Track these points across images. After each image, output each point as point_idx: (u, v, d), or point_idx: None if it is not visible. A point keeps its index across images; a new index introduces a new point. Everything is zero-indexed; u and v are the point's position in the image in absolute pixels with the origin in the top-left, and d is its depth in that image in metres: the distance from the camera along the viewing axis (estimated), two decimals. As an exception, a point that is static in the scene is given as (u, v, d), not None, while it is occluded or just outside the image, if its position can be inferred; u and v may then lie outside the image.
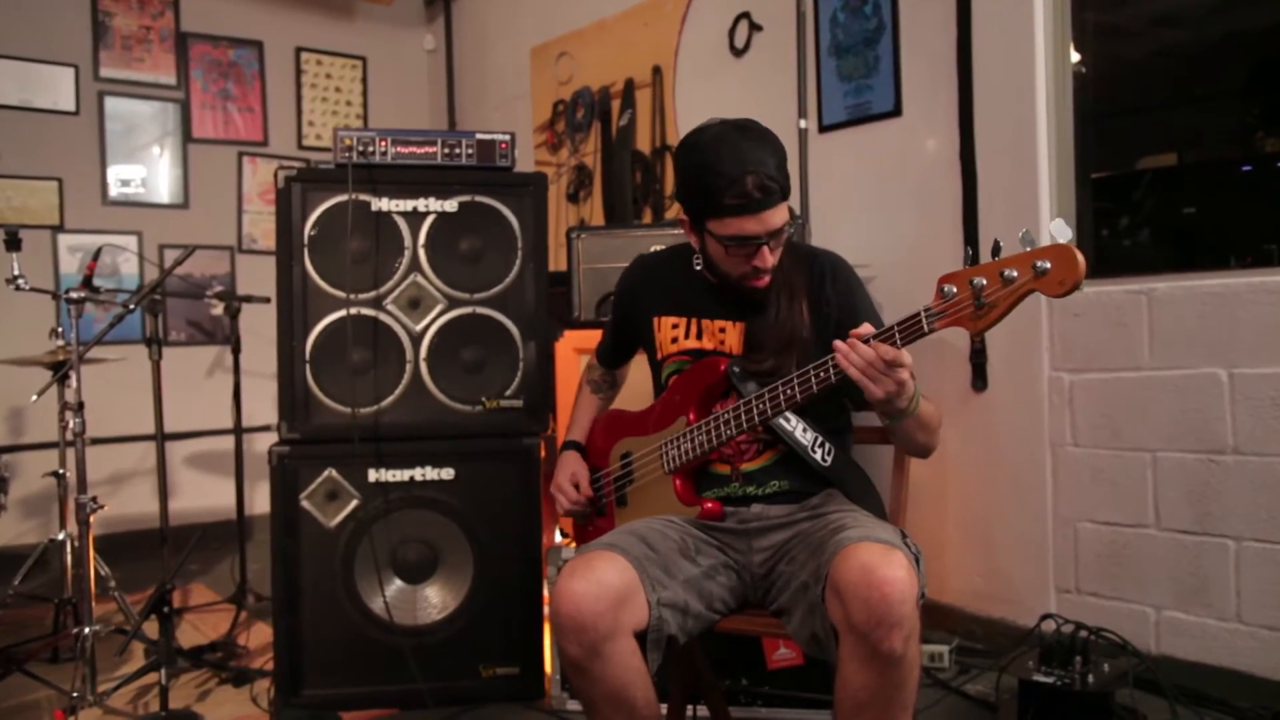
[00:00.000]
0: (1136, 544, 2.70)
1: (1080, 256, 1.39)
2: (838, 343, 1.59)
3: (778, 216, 1.74)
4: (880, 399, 1.58)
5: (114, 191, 4.83)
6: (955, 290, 1.49)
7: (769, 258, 1.77)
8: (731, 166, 1.70)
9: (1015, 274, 1.43)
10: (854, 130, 3.39)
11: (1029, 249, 1.44)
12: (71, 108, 4.71)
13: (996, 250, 1.47)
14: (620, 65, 4.41)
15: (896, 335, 1.55)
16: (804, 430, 1.83)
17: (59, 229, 4.66)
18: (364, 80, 5.60)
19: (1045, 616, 2.52)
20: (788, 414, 1.79)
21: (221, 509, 4.45)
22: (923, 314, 1.53)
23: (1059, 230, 1.41)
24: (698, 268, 1.91)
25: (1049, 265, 1.41)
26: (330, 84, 5.50)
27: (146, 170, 4.93)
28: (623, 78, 4.39)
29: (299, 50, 5.38)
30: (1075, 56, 2.90)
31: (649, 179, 4.25)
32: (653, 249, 2.61)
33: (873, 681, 1.50)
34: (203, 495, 4.80)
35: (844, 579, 1.50)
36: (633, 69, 4.35)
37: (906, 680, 1.51)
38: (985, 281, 1.46)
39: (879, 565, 1.48)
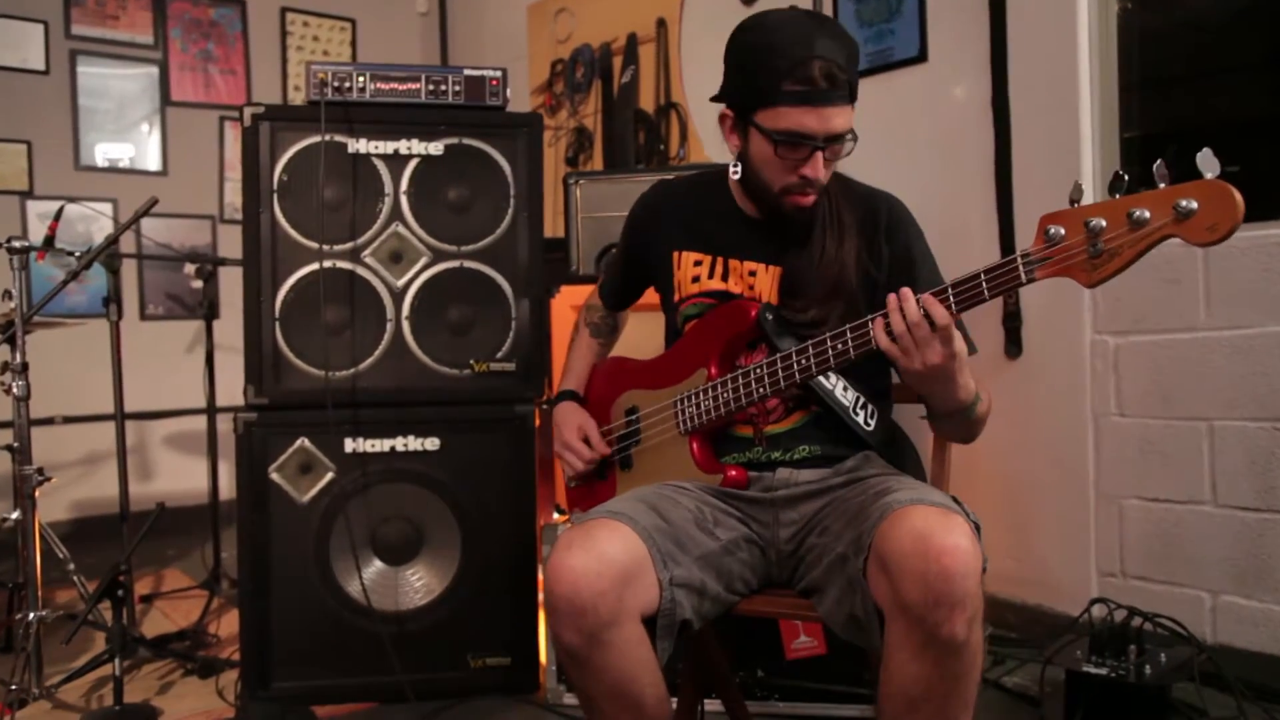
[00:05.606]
0: (1190, 522, 2.47)
1: (1239, 196, 1.13)
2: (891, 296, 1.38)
3: (840, 119, 1.49)
4: (918, 372, 1.37)
5: (87, 156, 4.58)
6: (1063, 233, 1.23)
7: (821, 169, 1.52)
8: (799, 49, 1.46)
9: (1148, 215, 1.17)
10: (876, 79, 3.15)
11: (1164, 185, 1.17)
12: (41, 66, 4.45)
13: (1118, 185, 1.20)
14: (622, 19, 4.17)
15: (984, 284, 1.31)
16: (845, 389, 1.59)
17: (28, 195, 4.42)
18: (353, 44, 5.36)
19: (1095, 601, 2.29)
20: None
21: (201, 491, 4.24)
22: (1019, 260, 1.28)
23: (1206, 162, 1.14)
24: (735, 176, 1.64)
25: (1195, 206, 1.15)
26: (317, 47, 5.25)
27: (122, 134, 4.67)
28: (624, 33, 4.15)
29: (284, 10, 5.13)
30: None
31: (653, 139, 4.00)
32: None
33: (929, 672, 1.25)
34: (183, 477, 4.56)
35: (893, 549, 1.25)
36: (635, 23, 4.10)
37: (969, 671, 1.27)
38: (1105, 223, 1.20)
39: (937, 532, 1.23)
